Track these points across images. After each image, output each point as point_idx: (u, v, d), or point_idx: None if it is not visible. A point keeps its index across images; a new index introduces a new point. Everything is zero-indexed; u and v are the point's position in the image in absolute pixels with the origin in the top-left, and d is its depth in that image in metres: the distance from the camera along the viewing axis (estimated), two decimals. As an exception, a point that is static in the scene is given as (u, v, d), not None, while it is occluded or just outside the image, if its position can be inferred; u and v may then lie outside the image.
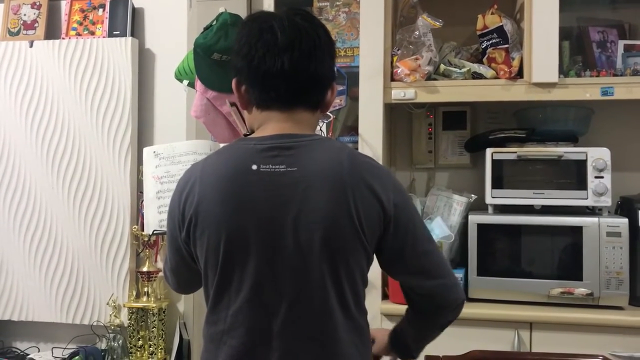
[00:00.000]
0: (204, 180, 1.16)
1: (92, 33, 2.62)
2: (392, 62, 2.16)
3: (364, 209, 1.11)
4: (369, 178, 1.13)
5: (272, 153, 1.13)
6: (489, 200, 2.12)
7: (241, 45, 1.18)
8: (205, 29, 2.01)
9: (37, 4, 2.68)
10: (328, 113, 1.92)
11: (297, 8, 1.22)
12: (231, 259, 1.13)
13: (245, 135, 1.27)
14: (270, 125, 1.18)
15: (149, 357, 2.42)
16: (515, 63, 2.09)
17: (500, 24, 2.11)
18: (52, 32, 2.68)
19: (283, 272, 1.12)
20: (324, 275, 1.11)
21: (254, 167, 1.13)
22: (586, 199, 2.04)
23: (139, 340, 2.44)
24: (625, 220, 1.99)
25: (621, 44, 2.20)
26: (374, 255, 1.22)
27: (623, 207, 2.13)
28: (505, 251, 2.12)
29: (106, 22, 2.60)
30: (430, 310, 1.28)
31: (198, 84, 2.05)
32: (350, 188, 1.11)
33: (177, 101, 2.49)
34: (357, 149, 2.10)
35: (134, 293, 2.49)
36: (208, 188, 1.15)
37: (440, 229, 2.08)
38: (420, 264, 1.21)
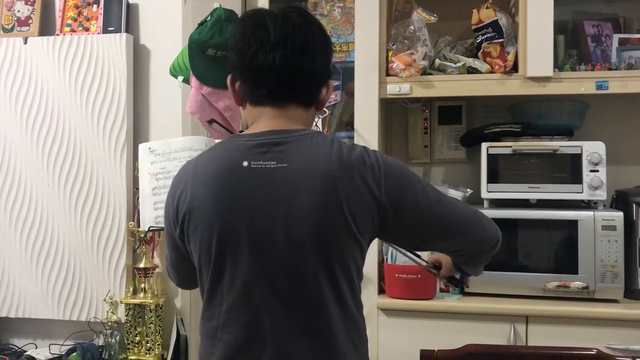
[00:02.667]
0: (196, 178, 1.16)
1: (87, 29, 2.61)
2: (387, 57, 2.16)
3: (355, 202, 1.11)
4: (359, 170, 1.13)
5: (263, 149, 1.13)
6: (484, 194, 2.12)
7: (236, 41, 1.19)
8: (200, 24, 2.01)
9: (31, 0, 2.67)
10: (324, 108, 1.92)
11: (293, 5, 1.23)
12: (223, 256, 1.13)
13: (240, 132, 1.27)
14: (262, 121, 1.19)
15: (146, 353, 2.42)
16: (510, 57, 2.09)
17: (495, 18, 2.11)
18: (46, 28, 2.67)
19: (275, 268, 1.12)
20: (318, 271, 1.11)
21: (245, 163, 1.13)
22: (581, 192, 2.05)
23: (136, 337, 2.44)
24: (621, 214, 1.99)
25: (616, 37, 2.20)
26: (397, 238, 1.25)
27: (618, 200, 2.14)
28: (501, 245, 2.12)
29: (100, 18, 2.59)
30: (469, 257, 1.33)
31: (193, 80, 2.05)
32: (340, 182, 1.11)
33: (172, 97, 2.48)
34: (352, 144, 2.10)
35: (131, 289, 2.49)
36: (200, 185, 1.15)
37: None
38: (437, 228, 1.21)
